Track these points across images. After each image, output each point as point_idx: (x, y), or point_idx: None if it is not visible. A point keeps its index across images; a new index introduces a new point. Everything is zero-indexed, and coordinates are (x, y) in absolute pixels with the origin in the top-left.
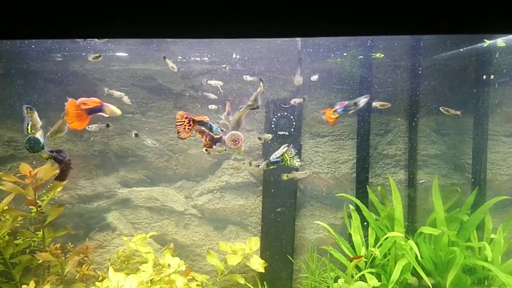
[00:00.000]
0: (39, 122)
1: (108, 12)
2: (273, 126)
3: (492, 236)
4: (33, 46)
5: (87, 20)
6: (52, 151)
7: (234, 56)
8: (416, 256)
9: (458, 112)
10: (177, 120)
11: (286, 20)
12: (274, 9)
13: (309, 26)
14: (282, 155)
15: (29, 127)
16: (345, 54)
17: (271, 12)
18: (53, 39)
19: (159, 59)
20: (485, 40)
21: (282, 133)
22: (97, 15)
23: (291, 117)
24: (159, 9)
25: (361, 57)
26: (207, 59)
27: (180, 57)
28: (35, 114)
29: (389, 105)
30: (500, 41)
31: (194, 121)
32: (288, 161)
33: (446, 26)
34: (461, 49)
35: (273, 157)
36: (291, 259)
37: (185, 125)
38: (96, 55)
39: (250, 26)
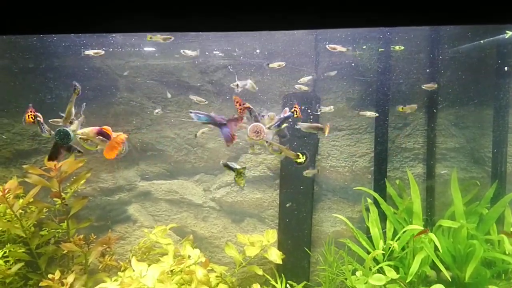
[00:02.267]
0: (73, 114)
1: (117, 6)
2: (290, 120)
3: None
4: (58, 42)
5: (96, 17)
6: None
7: (256, 50)
8: (435, 249)
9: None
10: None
11: (303, 12)
12: (288, 2)
13: (324, 18)
14: (238, 169)
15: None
16: (364, 47)
17: (285, 5)
18: (61, 33)
19: (178, 54)
20: (507, 31)
21: (299, 127)
22: (109, 10)
23: (309, 111)
24: (164, 5)
25: (382, 49)
26: (224, 53)
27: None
28: (70, 105)
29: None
30: None
31: (245, 107)
32: (239, 177)
33: (462, 17)
34: (481, 41)
35: (233, 164)
36: (309, 251)
37: (238, 109)
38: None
39: (265, 18)
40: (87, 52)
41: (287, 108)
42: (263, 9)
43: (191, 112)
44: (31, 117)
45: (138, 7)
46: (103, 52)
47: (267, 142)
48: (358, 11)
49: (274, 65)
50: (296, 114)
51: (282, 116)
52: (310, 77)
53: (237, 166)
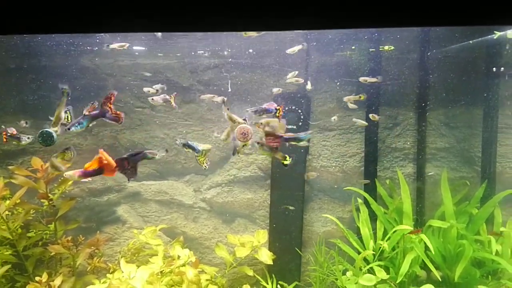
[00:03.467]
0: (62, 118)
1: (115, 5)
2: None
3: (502, 229)
4: (43, 41)
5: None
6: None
7: (244, 50)
8: (425, 249)
9: (358, 97)
10: None
11: (295, 12)
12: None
13: (315, 18)
14: (202, 151)
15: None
16: (353, 47)
17: (279, 5)
18: (57, 33)
19: (167, 54)
20: (495, 32)
21: (290, 127)
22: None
23: (299, 111)
24: (161, 5)
25: (373, 50)
26: (211, 52)
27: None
28: (59, 110)
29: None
30: (511, 32)
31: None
32: (201, 158)
33: (453, 18)
34: (470, 41)
35: (197, 146)
36: (299, 251)
37: None
38: None
39: (259, 19)
40: (112, 46)
41: (273, 103)
42: (259, 9)
43: (69, 129)
44: (5, 138)
45: (136, 7)
46: (127, 45)
47: (258, 143)
48: (354, 11)
49: (309, 86)
50: (278, 113)
51: (262, 107)
52: (296, 72)
53: (200, 148)
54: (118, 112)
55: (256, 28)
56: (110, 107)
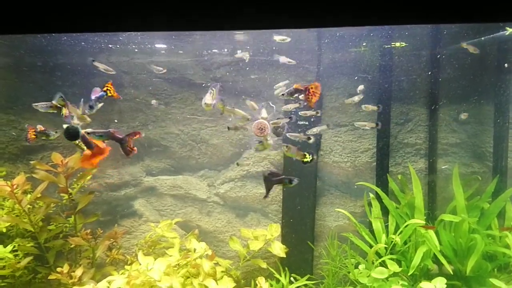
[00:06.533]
0: (77, 109)
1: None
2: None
3: None
4: (62, 40)
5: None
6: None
7: (258, 48)
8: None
9: (376, 108)
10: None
11: (309, 11)
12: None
13: (332, 16)
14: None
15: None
16: (364, 43)
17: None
18: (72, 32)
19: (180, 52)
20: (507, 28)
21: (302, 122)
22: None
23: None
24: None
25: (387, 46)
26: (228, 51)
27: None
28: (66, 109)
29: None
30: None
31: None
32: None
33: (465, 15)
34: (482, 38)
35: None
36: (312, 245)
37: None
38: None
39: (273, 17)
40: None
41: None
42: (266, 7)
43: (89, 133)
44: (34, 135)
45: (148, 7)
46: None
47: (286, 146)
48: (363, 9)
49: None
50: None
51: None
52: (286, 82)
53: None
54: (134, 148)
55: (259, 26)
56: (131, 140)
